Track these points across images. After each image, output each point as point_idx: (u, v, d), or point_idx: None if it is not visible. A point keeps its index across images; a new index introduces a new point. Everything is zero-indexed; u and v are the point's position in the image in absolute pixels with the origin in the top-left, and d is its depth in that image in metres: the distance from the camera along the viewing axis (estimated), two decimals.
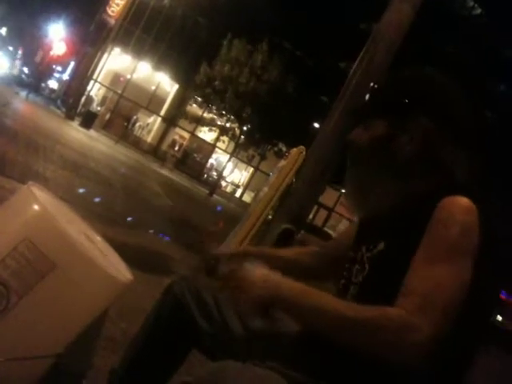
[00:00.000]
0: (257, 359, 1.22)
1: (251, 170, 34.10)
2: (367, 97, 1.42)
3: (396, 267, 1.14)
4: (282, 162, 4.46)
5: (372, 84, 1.31)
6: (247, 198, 30.42)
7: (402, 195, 1.24)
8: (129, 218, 5.42)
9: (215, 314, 1.43)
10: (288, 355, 1.29)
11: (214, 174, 33.01)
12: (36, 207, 1.17)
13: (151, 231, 5.27)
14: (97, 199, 5.78)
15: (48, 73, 41.74)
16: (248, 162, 32.07)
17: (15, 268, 1.12)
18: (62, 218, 1.20)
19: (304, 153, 3.90)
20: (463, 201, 1.14)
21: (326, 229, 27.81)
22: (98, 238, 1.34)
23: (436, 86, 1.30)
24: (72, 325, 1.19)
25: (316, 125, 25.10)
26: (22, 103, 20.49)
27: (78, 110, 26.32)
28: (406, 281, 1.10)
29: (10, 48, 45.62)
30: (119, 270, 1.20)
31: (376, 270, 1.22)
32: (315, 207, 29.01)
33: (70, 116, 24.23)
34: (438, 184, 1.21)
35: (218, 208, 12.94)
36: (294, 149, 4.22)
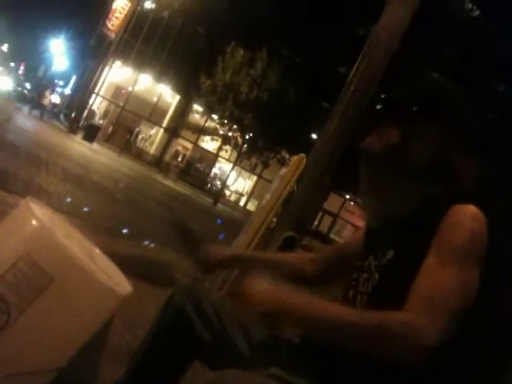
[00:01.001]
0: (258, 367, 1.22)
1: (255, 178, 34.13)
2: (379, 105, 1.42)
3: (406, 275, 1.15)
4: (284, 170, 4.47)
5: (376, 92, 1.31)
6: (251, 206, 30.42)
7: (415, 202, 1.25)
8: (124, 230, 5.43)
9: (216, 323, 1.43)
10: (289, 362, 1.29)
11: (218, 183, 33.05)
12: (34, 223, 1.18)
13: (152, 244, 5.27)
14: (87, 209, 5.80)
15: (50, 87, 41.98)
16: (251, 170, 32.10)
17: (15, 283, 1.13)
18: (61, 233, 1.21)
19: (304, 160, 3.91)
20: (472, 209, 1.15)
21: (331, 235, 27.76)
22: (97, 251, 1.35)
23: (448, 95, 1.32)
24: (73, 338, 1.20)
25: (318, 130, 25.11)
26: (24, 118, 20.61)
27: (81, 124, 26.46)
28: (414, 283, 1.11)
29: (12, 64, 45.93)
30: (118, 282, 1.21)
31: (386, 279, 1.23)
32: (320, 213, 29.01)
33: (72, 130, 24.35)
34: (447, 191, 1.22)
35: (219, 221, 12.92)
36: (295, 156, 4.23)
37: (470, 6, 29.30)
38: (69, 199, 6.15)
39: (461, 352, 1.11)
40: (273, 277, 1.24)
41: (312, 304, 1.15)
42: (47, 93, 38.97)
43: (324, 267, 1.61)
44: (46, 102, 35.73)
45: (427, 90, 1.33)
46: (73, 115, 27.46)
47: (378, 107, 1.38)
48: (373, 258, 1.30)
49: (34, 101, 31.71)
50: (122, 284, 1.22)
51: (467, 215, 1.14)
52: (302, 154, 4.04)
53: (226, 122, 26.54)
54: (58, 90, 45.74)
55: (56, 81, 46.83)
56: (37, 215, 1.19)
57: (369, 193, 1.34)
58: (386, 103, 1.37)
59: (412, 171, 1.25)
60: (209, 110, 27.33)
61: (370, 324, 1.07)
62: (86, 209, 5.89)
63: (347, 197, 33.15)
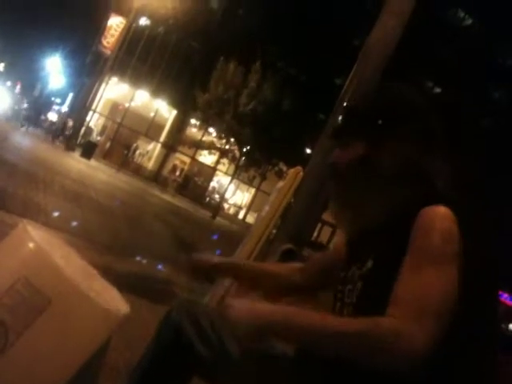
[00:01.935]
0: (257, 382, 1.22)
1: (253, 190, 34.16)
2: (341, 117, 1.43)
3: (387, 283, 1.16)
4: (281, 183, 4.47)
5: (344, 104, 1.33)
6: (250, 218, 30.40)
7: (385, 210, 1.27)
8: (120, 245, 5.42)
9: (213, 338, 1.43)
10: (287, 376, 1.29)
11: (216, 196, 33.07)
12: (31, 245, 1.19)
13: (144, 261, 5.26)
14: (85, 226, 5.79)
15: (47, 105, 42.11)
16: (249, 183, 32.14)
17: (12, 306, 1.14)
18: (58, 255, 1.22)
19: (301, 173, 3.91)
20: (441, 209, 1.16)
21: (331, 246, 27.70)
22: (95, 273, 1.35)
23: (407, 102, 1.33)
24: (71, 360, 1.20)
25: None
26: (21, 136, 20.64)
27: (78, 141, 26.50)
28: (394, 290, 1.11)
29: (8, 83, 46.10)
30: (116, 303, 1.22)
31: (368, 288, 1.24)
32: (319, 225, 28.97)
33: (70, 147, 24.40)
34: (417, 195, 1.23)
35: (215, 236, 12.90)
36: (292, 169, 4.24)
37: (462, 14, 29.53)
38: (67, 217, 6.15)
39: (449, 354, 1.11)
40: (258, 293, 1.25)
41: (295, 314, 1.16)
42: (44, 111, 39.09)
43: (311, 277, 1.63)
44: (43, 119, 35.81)
45: (389, 100, 1.33)
46: (70, 132, 27.52)
47: (341, 120, 1.39)
48: (356, 268, 1.30)
49: (31, 119, 31.79)
50: (119, 305, 1.23)
51: (437, 216, 1.15)
52: (299, 167, 4.05)
53: (223, 135, 26.62)
54: (55, 107, 45.86)
55: (53, 99, 46.97)
56: (34, 237, 1.20)
57: (341, 207, 1.35)
58: (347, 115, 1.39)
59: (381, 181, 1.27)
60: (205, 124, 27.42)
61: (357, 331, 1.07)
62: (84, 226, 5.88)
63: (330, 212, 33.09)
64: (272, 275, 1.67)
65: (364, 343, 1.06)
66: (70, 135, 26.85)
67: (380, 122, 1.29)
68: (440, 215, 1.16)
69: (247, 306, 1.21)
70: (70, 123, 31.18)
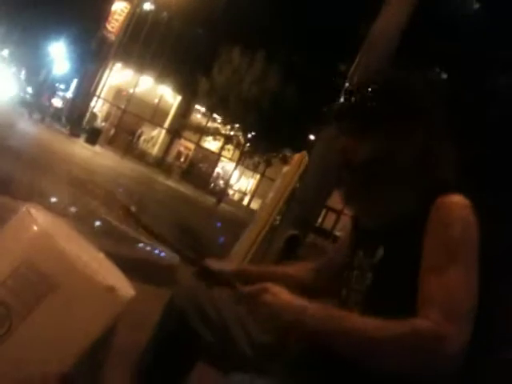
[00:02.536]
0: (261, 370, 1.22)
1: (257, 176, 34.14)
2: (354, 105, 1.34)
3: (400, 273, 1.15)
4: (286, 168, 4.46)
5: (350, 96, 1.20)
6: (255, 205, 30.42)
7: (402, 201, 1.24)
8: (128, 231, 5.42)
9: (217, 324, 1.42)
10: (292, 368, 1.29)
11: (221, 182, 33.07)
12: (35, 228, 1.18)
13: (150, 246, 5.27)
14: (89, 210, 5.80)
15: (51, 91, 42.08)
16: (254, 169, 32.12)
17: (16, 289, 1.13)
18: (62, 238, 1.21)
19: (306, 158, 3.91)
20: (458, 198, 1.15)
21: (335, 232, 27.72)
22: (100, 255, 1.35)
23: (422, 93, 1.29)
24: (76, 343, 1.20)
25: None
26: (26, 122, 20.65)
27: (83, 127, 26.50)
28: (421, 290, 1.11)
29: (13, 69, 46.06)
30: (121, 286, 1.21)
31: (380, 278, 1.23)
32: (324, 211, 28.97)
33: (74, 133, 24.40)
34: (431, 185, 1.21)
35: (218, 224, 12.90)
36: (297, 154, 4.23)
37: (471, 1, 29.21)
38: (71, 202, 6.16)
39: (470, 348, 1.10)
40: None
41: (333, 317, 1.14)
42: (49, 97, 39.06)
43: (326, 277, 1.59)
44: (47, 105, 35.80)
45: (405, 90, 1.28)
46: (75, 118, 27.52)
47: (354, 109, 1.29)
48: (363, 254, 1.29)
49: (36, 105, 31.77)
50: (124, 288, 1.22)
51: (455, 205, 1.14)
52: (304, 152, 4.04)
53: (227, 121, 26.57)
54: (60, 93, 45.80)
55: (57, 84, 46.91)
56: (38, 220, 1.19)
57: (356, 198, 1.30)
58: (363, 106, 1.27)
59: (399, 172, 1.24)
60: (210, 111, 27.36)
61: (396, 337, 1.06)
62: (87, 211, 5.89)
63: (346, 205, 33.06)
64: (284, 277, 1.60)
65: (405, 349, 1.06)
66: (74, 121, 26.85)
67: (397, 113, 1.24)
68: (457, 204, 1.15)
69: (284, 296, 1.19)
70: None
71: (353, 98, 1.26)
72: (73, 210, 5.65)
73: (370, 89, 1.26)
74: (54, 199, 5.87)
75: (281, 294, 1.19)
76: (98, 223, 5.48)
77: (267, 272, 1.68)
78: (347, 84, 4.61)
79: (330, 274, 1.57)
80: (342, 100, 1.33)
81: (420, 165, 1.23)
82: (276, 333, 1.28)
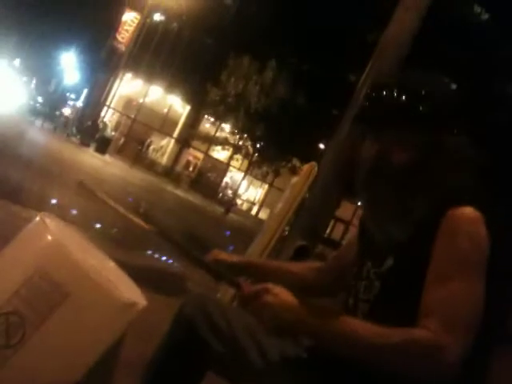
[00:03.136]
0: (270, 378, 1.22)
1: (266, 186, 34.12)
2: (372, 110, 1.27)
3: (409, 284, 1.15)
4: (295, 178, 4.46)
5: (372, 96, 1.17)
6: (263, 215, 30.37)
7: (415, 210, 1.22)
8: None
9: (227, 334, 1.42)
10: (300, 379, 1.28)
11: (229, 192, 33.08)
12: (49, 237, 1.19)
13: (159, 255, 5.27)
14: (99, 223, 5.81)
15: (62, 101, 42.39)
16: (262, 179, 32.11)
17: (30, 299, 1.14)
18: (75, 247, 1.22)
19: (316, 168, 3.90)
20: (468, 211, 1.14)
21: (344, 242, 27.59)
22: (112, 265, 1.35)
23: (454, 95, 1.28)
24: (88, 352, 1.20)
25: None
26: (37, 131, 20.80)
27: (93, 136, 26.64)
28: (424, 300, 1.11)
29: (24, 78, 46.47)
30: (132, 295, 1.22)
31: (388, 288, 1.22)
32: (332, 221, 28.86)
33: (84, 142, 24.53)
34: (444, 196, 1.20)
35: (227, 233, 12.89)
36: (306, 164, 4.23)
37: (479, 9, 29.19)
38: (80, 211, 6.18)
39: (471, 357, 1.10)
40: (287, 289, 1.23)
41: (333, 320, 1.14)
42: (59, 107, 39.36)
43: (329, 277, 1.59)
44: (58, 115, 36.06)
45: (439, 93, 1.24)
46: (85, 128, 27.68)
47: (389, 114, 1.23)
48: (371, 264, 1.28)
49: (46, 114, 32.00)
50: (136, 297, 1.23)
51: (464, 219, 1.13)
52: (313, 163, 4.03)
53: (236, 131, 26.62)
54: (70, 103, 46.14)
55: (67, 94, 47.28)
56: (51, 230, 1.20)
57: (377, 205, 1.26)
58: (400, 111, 1.22)
59: (422, 181, 1.21)
60: (219, 120, 27.43)
61: (395, 345, 1.06)
62: (98, 224, 5.91)
63: (359, 204, 33.01)
64: (287, 274, 1.61)
65: (403, 357, 1.06)
66: (84, 130, 27.01)
67: (434, 118, 1.21)
68: (467, 218, 1.13)
69: (285, 296, 1.19)
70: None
71: (398, 101, 1.21)
72: (81, 218, 5.67)
73: (420, 91, 1.22)
74: (62, 208, 5.90)
75: (282, 295, 1.19)
76: (109, 230, 5.50)
77: (272, 267, 1.68)
78: (359, 91, 4.62)
79: (332, 276, 1.57)
80: (373, 103, 1.27)
81: (439, 173, 1.22)
82: (278, 333, 1.28)
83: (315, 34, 26.16)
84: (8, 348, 1.13)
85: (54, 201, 6.26)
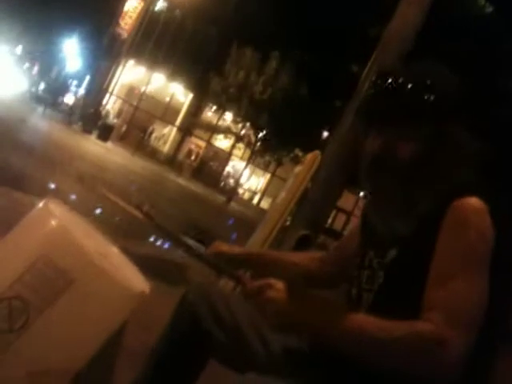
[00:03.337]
0: (275, 371, 1.22)
1: (268, 176, 34.12)
2: (375, 103, 1.26)
3: (412, 274, 1.14)
4: (298, 168, 4.45)
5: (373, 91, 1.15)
6: (265, 204, 30.40)
7: (421, 202, 1.21)
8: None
9: (230, 323, 1.42)
10: (301, 372, 1.28)
11: (231, 181, 33.09)
12: (53, 223, 1.18)
13: (161, 244, 5.27)
14: (100, 209, 5.81)
15: (64, 88, 42.29)
16: (264, 168, 32.10)
17: (34, 284, 1.13)
18: (80, 233, 1.22)
19: (319, 157, 3.89)
20: (473, 201, 1.13)
21: (345, 233, 27.65)
22: (116, 251, 1.35)
23: (459, 88, 1.26)
24: (91, 339, 1.20)
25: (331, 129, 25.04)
26: (39, 118, 20.78)
27: (95, 123, 26.62)
28: (428, 293, 1.10)
29: (26, 65, 46.35)
30: (136, 282, 1.21)
31: (392, 278, 1.22)
32: (334, 212, 28.87)
33: (87, 129, 24.51)
34: (449, 187, 1.19)
35: (230, 221, 12.91)
36: (310, 154, 4.21)
37: (482, 2, 29.00)
38: (82, 199, 6.19)
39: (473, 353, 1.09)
40: (287, 283, 1.22)
41: (335, 316, 1.14)
42: (61, 94, 39.26)
43: (332, 267, 1.58)
44: (60, 101, 36.00)
45: (444, 86, 1.22)
46: (87, 115, 27.65)
47: (388, 106, 1.21)
48: (374, 254, 1.27)
49: (49, 101, 31.94)
50: (140, 283, 1.22)
51: (470, 210, 1.12)
52: (317, 151, 4.02)
53: (239, 120, 26.58)
54: (72, 90, 46.02)
55: (70, 81, 47.15)
56: (56, 215, 1.19)
57: (389, 203, 1.24)
58: (404, 103, 1.20)
59: (428, 173, 1.20)
60: (221, 109, 27.38)
61: (398, 339, 1.06)
62: (99, 210, 5.91)
63: (361, 194, 33.03)
64: (289, 265, 1.60)
65: (405, 350, 1.06)
66: (86, 117, 26.98)
67: (437, 110, 1.19)
68: (473, 209, 1.12)
69: (288, 292, 1.18)
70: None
71: (401, 93, 1.20)
72: (83, 206, 5.67)
73: (423, 83, 1.20)
74: (64, 195, 5.90)
75: (285, 291, 1.19)
76: (111, 219, 5.50)
77: (273, 257, 1.68)
78: (362, 83, 4.61)
79: (334, 266, 1.56)
80: (375, 97, 1.26)
81: (443, 165, 1.21)
82: (281, 329, 1.27)
83: (318, 27, 26.05)
84: (11, 332, 1.12)
85: (55, 187, 6.26)
